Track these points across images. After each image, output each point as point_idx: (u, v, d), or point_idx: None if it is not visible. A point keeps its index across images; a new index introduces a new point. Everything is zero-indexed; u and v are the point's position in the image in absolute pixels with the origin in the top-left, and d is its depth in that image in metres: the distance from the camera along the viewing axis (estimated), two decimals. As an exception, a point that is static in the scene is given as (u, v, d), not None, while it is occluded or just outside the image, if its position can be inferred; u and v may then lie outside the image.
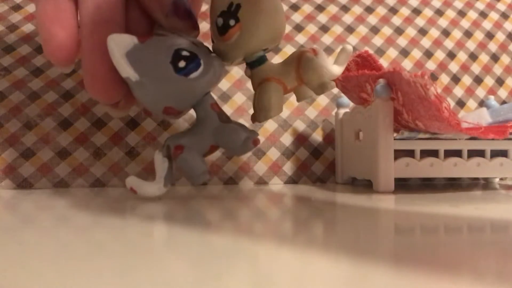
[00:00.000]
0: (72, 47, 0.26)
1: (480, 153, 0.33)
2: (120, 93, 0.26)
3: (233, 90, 0.40)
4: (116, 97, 0.27)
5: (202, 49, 0.26)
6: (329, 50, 0.45)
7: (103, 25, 0.26)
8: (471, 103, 0.46)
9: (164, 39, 0.25)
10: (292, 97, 0.41)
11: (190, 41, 0.26)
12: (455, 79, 0.47)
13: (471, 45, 0.49)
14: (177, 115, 0.26)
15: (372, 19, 0.48)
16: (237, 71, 0.41)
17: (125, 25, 0.27)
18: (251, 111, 0.40)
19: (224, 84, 0.40)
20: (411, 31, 0.48)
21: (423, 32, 0.49)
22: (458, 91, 0.46)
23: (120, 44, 0.24)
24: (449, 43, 0.49)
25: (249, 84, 0.41)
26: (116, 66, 0.24)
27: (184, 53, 0.25)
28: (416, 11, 0.50)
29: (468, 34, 0.50)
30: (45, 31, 0.27)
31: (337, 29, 0.46)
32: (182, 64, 0.24)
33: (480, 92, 0.47)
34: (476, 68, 0.48)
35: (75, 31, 0.27)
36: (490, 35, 0.51)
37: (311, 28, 0.46)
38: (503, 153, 0.34)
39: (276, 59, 0.43)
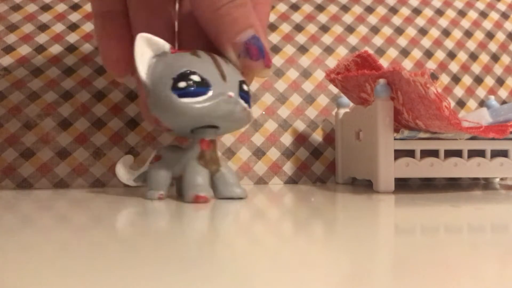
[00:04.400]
0: (130, 59, 0.28)
1: (481, 153, 0.33)
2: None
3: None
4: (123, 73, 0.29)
5: (232, 85, 0.26)
6: (329, 50, 0.45)
7: None
8: (471, 103, 0.46)
9: (192, 59, 0.26)
10: (292, 97, 0.41)
11: (221, 72, 0.26)
12: (455, 79, 0.47)
13: (471, 45, 0.49)
14: (167, 130, 0.27)
15: (372, 19, 0.48)
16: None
17: (184, 42, 0.29)
18: (252, 111, 0.40)
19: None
20: (411, 31, 0.48)
21: (423, 32, 0.49)
22: (458, 91, 0.46)
23: (149, 46, 0.26)
24: (449, 43, 0.49)
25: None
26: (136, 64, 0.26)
27: (195, 77, 0.25)
28: (416, 11, 0.50)
29: (468, 34, 0.50)
30: (104, 46, 0.30)
31: (337, 29, 0.46)
32: (182, 84, 0.25)
33: (481, 92, 0.47)
34: (476, 68, 0.48)
35: (129, 44, 0.28)
36: (490, 35, 0.51)
37: (311, 28, 0.46)
38: (504, 153, 0.34)
39: (276, 60, 0.43)
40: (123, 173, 0.29)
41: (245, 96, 0.26)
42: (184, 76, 0.25)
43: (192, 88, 0.24)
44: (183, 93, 0.25)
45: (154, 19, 0.29)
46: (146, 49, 0.26)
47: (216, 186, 0.27)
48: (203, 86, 0.25)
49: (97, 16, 0.30)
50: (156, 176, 0.27)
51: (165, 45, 0.26)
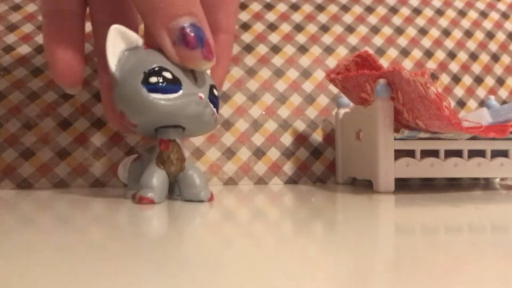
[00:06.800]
0: (78, 69, 0.26)
1: (481, 153, 0.33)
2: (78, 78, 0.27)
3: (233, 90, 0.40)
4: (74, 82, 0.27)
5: (204, 88, 0.25)
6: (329, 50, 0.45)
7: None
8: (472, 103, 0.46)
9: (165, 57, 0.25)
10: (292, 97, 0.41)
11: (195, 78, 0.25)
12: (456, 79, 0.47)
13: (471, 45, 0.49)
14: (131, 126, 0.26)
15: (372, 19, 0.48)
16: (237, 71, 0.41)
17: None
18: (251, 111, 0.41)
19: (224, 84, 0.40)
20: (411, 31, 0.48)
21: (423, 32, 0.49)
22: (459, 91, 0.46)
23: (122, 38, 0.25)
24: (449, 43, 0.49)
25: (249, 84, 0.41)
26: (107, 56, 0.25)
27: (167, 74, 0.24)
28: (417, 11, 0.50)
29: (468, 34, 0.50)
30: (50, 55, 0.27)
31: (337, 29, 0.46)
32: (153, 79, 0.24)
33: (481, 92, 0.47)
34: (476, 68, 0.48)
35: (80, 50, 0.27)
36: (490, 35, 0.51)
37: (311, 28, 0.46)
38: (504, 153, 0.34)
39: (276, 59, 0.43)
40: (122, 172, 0.29)
41: (214, 101, 0.26)
42: (156, 72, 0.24)
43: (163, 85, 0.24)
44: (153, 88, 0.24)
45: (118, 18, 0.27)
46: (119, 42, 0.25)
47: (179, 188, 0.26)
48: (174, 84, 0.24)
49: (45, 15, 0.28)
50: (133, 175, 0.27)
51: (139, 40, 0.25)
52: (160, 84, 0.24)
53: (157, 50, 0.25)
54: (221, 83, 0.31)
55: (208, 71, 0.28)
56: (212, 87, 0.26)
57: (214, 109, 0.26)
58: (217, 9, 0.29)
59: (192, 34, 0.24)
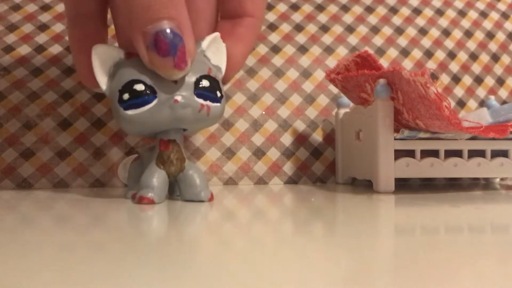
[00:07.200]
0: None
1: (481, 153, 0.33)
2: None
3: (233, 90, 0.40)
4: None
5: (184, 86, 0.24)
6: (329, 50, 0.45)
7: None
8: (472, 103, 0.46)
9: (141, 65, 0.24)
10: (292, 97, 0.41)
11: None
12: (456, 79, 0.47)
13: (471, 45, 0.49)
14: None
15: (372, 19, 0.48)
16: (237, 71, 0.41)
17: None
18: (251, 111, 0.41)
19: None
20: (411, 31, 0.48)
21: (423, 32, 0.49)
22: (459, 91, 0.46)
23: (103, 55, 0.25)
24: (449, 43, 0.49)
25: (249, 84, 0.41)
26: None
27: (138, 86, 0.24)
28: (417, 11, 0.50)
29: (468, 34, 0.50)
30: (75, 59, 0.28)
31: (337, 29, 0.46)
32: (126, 96, 0.24)
33: (481, 92, 0.47)
34: (476, 68, 0.48)
35: None
36: (490, 35, 0.51)
37: (311, 28, 0.46)
38: (504, 153, 0.34)
39: (276, 59, 0.43)
40: (122, 172, 0.30)
41: (204, 93, 0.25)
42: (128, 87, 0.24)
43: (135, 100, 0.24)
44: (127, 105, 0.24)
45: None
46: (103, 60, 0.25)
47: (179, 189, 0.26)
48: (147, 95, 0.24)
49: (69, 19, 0.28)
50: (133, 176, 0.27)
51: (120, 52, 0.25)
52: (133, 99, 0.24)
53: (135, 59, 0.25)
54: (237, 65, 0.29)
55: (220, 52, 0.27)
56: (199, 79, 0.25)
57: (206, 101, 0.25)
58: None
59: (166, 41, 0.23)
